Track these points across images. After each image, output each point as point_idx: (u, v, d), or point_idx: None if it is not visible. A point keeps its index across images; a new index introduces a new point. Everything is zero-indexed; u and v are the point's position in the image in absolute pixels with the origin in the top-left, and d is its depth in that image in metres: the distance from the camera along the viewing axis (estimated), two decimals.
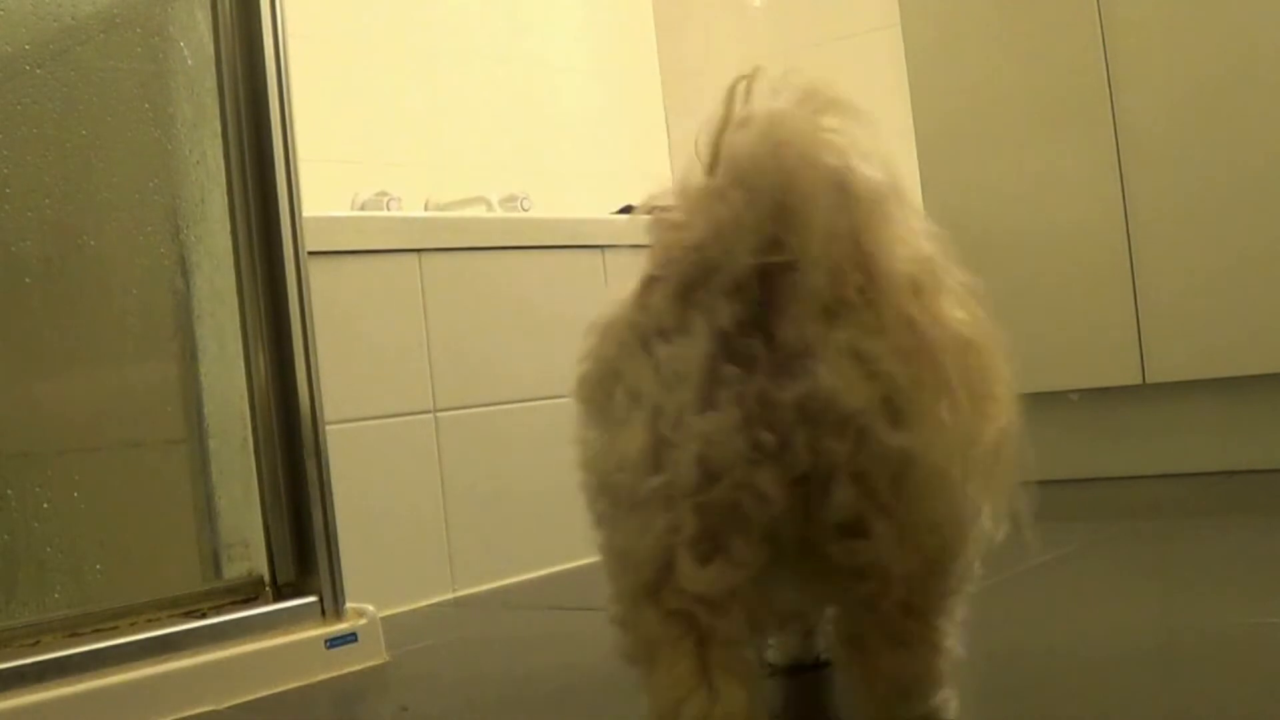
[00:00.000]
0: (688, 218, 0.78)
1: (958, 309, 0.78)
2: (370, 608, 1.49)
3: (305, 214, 1.52)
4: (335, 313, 1.75)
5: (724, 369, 0.76)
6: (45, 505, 1.43)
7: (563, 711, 1.24)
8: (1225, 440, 2.20)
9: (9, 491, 1.41)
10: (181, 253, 1.56)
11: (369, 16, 2.90)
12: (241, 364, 1.52)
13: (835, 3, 3.26)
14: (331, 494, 1.50)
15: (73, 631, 1.33)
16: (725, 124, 0.78)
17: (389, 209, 2.61)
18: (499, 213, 2.75)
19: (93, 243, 1.50)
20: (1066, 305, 2.30)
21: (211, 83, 1.52)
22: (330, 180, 2.67)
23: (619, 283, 0.85)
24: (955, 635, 0.88)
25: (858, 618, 0.85)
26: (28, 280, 1.45)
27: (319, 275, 1.56)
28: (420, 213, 2.72)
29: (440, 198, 2.86)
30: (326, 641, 1.44)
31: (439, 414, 1.92)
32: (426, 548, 1.88)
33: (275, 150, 1.49)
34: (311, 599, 1.47)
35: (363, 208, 2.65)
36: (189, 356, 1.56)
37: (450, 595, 1.90)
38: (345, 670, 1.44)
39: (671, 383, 0.77)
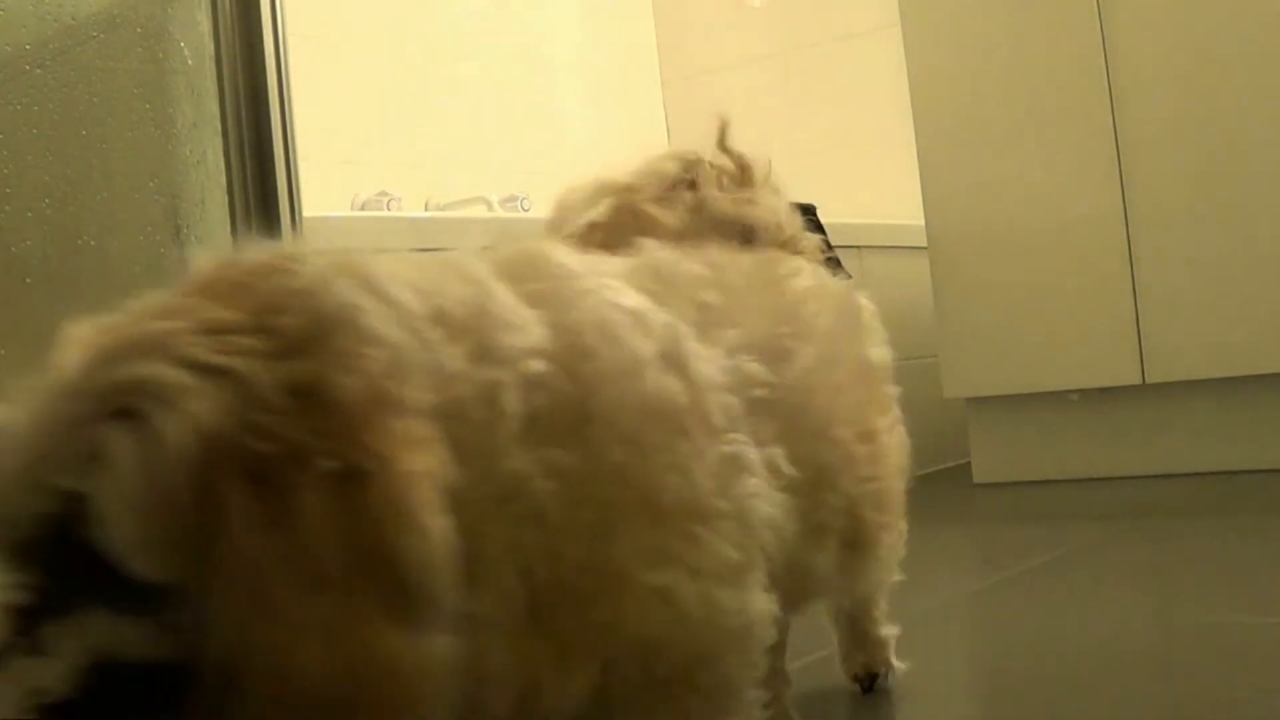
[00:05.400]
0: None
1: None
2: None
3: (305, 214, 1.52)
4: None
5: None
6: None
7: None
8: (1225, 440, 2.20)
9: None
10: (181, 253, 1.56)
11: (368, 16, 2.91)
12: None
13: (835, 3, 3.26)
14: None
15: None
16: None
17: (389, 209, 2.61)
18: (499, 213, 2.75)
19: (93, 243, 1.50)
20: (1066, 305, 2.30)
21: (211, 83, 1.52)
22: (330, 180, 2.67)
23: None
24: None
25: None
26: (28, 280, 1.45)
27: None
28: (420, 213, 2.72)
29: (440, 198, 2.86)
30: None
31: None
32: None
33: (275, 150, 1.49)
34: None
35: (363, 208, 2.65)
36: None
37: None
38: None
39: None
